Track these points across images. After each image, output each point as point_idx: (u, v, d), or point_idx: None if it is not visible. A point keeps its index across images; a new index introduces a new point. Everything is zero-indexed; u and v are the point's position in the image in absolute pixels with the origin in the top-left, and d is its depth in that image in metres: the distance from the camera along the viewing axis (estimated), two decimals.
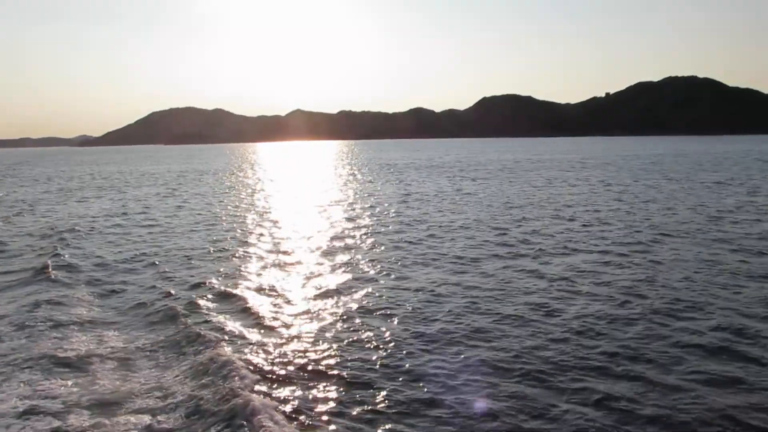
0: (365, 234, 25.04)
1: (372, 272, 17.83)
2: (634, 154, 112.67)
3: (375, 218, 30.07)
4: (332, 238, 23.97)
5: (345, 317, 13.40)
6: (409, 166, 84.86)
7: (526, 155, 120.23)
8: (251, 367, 10.50)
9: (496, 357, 10.84)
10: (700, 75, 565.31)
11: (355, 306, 14.22)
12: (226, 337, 12.19)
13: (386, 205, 36.04)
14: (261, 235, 25.73)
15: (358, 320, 13.15)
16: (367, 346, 11.57)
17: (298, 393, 9.58)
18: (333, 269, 18.37)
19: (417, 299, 14.73)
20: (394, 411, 8.95)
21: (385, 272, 17.74)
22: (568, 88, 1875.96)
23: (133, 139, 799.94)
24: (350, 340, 11.91)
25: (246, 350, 11.47)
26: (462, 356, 10.89)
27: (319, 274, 17.67)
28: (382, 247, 21.83)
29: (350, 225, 27.81)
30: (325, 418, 8.78)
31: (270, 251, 21.57)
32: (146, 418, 8.78)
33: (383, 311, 13.80)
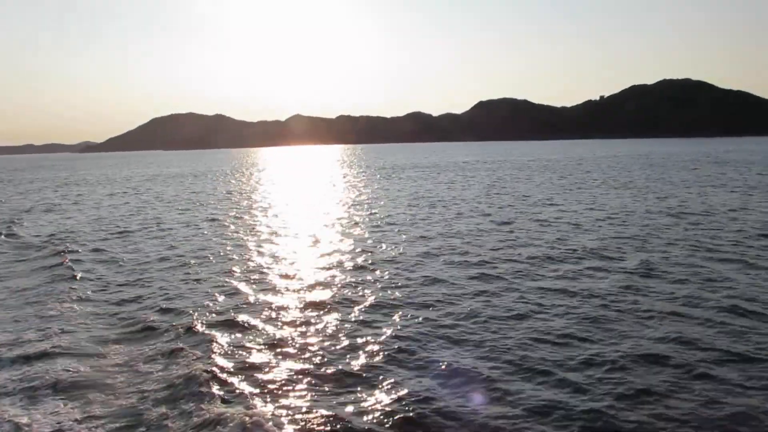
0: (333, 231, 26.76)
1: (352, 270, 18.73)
2: (581, 156, 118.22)
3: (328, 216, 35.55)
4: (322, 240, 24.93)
5: (342, 321, 13.39)
6: (375, 168, 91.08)
7: (482, 157, 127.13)
8: (238, 379, 10.29)
9: (499, 357, 10.95)
10: (694, 77, 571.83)
11: (346, 310, 14.20)
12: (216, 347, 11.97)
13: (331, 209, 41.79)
14: (259, 234, 26.97)
15: (354, 324, 13.14)
16: (363, 354, 11.38)
17: (292, 406, 9.31)
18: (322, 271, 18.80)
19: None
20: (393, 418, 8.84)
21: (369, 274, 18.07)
22: (562, 92, 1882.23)
23: (134, 144, 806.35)
24: (350, 344, 11.87)
25: (236, 359, 11.30)
26: (461, 360, 10.89)
27: (314, 279, 17.73)
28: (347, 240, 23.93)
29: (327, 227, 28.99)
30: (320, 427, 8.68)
31: (266, 254, 22.01)
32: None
33: (371, 314, 13.84)
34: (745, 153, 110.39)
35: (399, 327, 12.79)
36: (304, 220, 31.65)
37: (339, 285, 16.77)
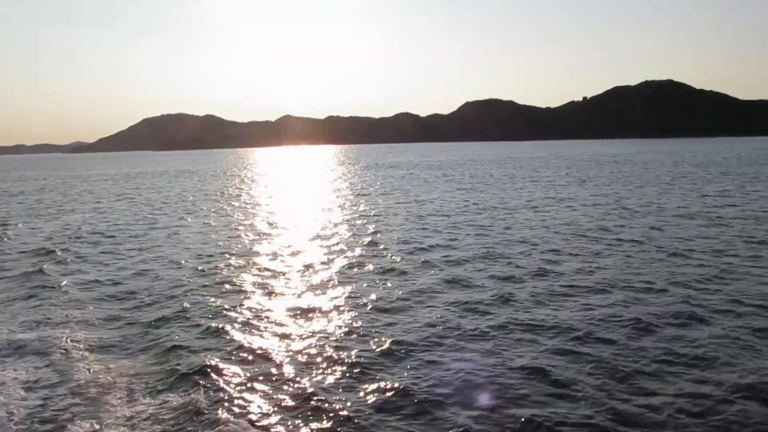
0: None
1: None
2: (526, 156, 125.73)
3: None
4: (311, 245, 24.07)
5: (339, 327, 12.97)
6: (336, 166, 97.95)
7: (424, 158, 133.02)
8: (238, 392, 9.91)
9: (499, 361, 10.75)
10: (676, 79, 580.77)
11: (342, 318, 13.70)
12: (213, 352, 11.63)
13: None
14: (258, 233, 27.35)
15: (351, 330, 12.74)
16: (361, 359, 11.08)
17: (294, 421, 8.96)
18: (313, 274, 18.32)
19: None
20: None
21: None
22: (547, 93, 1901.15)
23: (125, 145, 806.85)
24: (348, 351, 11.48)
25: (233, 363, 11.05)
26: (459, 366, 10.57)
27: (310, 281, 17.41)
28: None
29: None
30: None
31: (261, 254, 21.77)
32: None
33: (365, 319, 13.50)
34: (684, 154, 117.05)
35: (400, 326, 12.92)
36: (289, 217, 33.04)
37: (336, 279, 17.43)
